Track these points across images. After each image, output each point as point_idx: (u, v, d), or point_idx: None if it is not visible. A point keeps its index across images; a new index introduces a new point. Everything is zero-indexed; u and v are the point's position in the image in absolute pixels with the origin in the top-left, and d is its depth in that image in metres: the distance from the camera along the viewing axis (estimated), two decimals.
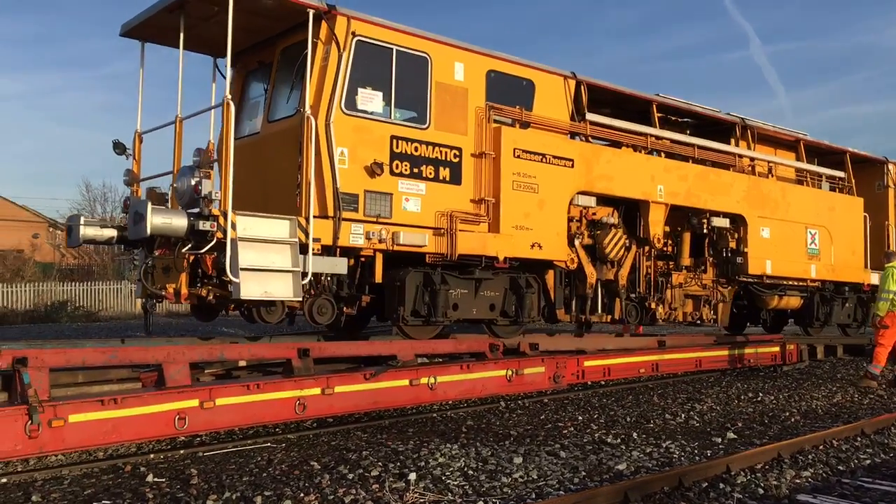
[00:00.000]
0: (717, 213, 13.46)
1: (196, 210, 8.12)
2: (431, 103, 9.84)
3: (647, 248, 12.64)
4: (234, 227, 8.11)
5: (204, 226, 7.95)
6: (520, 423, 9.26)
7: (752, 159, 14.42)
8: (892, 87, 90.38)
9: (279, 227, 8.57)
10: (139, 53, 9.98)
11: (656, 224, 12.37)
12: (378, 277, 9.51)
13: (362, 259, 9.55)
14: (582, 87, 11.58)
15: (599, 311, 12.12)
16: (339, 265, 8.99)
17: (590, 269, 11.63)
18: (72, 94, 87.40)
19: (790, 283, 14.91)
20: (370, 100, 9.34)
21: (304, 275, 8.54)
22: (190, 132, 9.84)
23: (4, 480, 6.72)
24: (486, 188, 10.20)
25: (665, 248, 13.42)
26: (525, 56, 11.26)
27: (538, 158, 10.65)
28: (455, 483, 6.52)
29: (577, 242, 11.52)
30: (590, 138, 11.64)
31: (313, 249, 8.65)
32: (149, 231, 7.75)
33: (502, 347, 10.49)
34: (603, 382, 12.40)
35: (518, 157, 10.42)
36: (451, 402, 10.25)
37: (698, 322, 13.83)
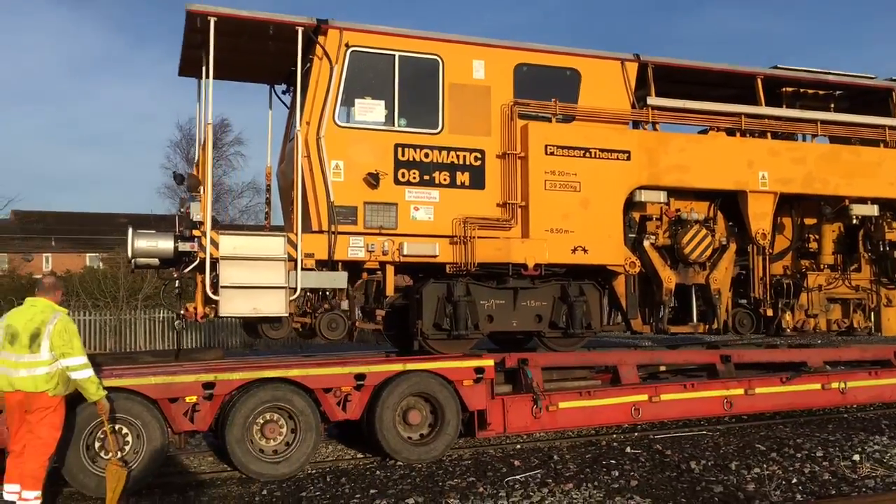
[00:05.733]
0: (861, 200, 11.17)
1: (180, 232, 8.54)
2: (444, 106, 9.39)
3: (755, 247, 10.84)
4: (216, 245, 8.39)
5: (183, 247, 8.34)
6: None
7: None
8: None
9: (271, 243, 8.71)
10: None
11: (760, 217, 10.55)
12: (389, 290, 9.25)
13: (377, 272, 9.35)
14: (649, 70, 10.32)
15: (695, 319, 10.62)
16: (338, 279, 8.89)
17: (666, 273, 10.23)
18: None
19: None
20: (369, 110, 9.17)
21: (294, 290, 8.57)
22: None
23: (519, 447, 9.46)
24: (513, 190, 9.47)
25: (765, 245, 11.24)
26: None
27: (580, 154, 9.65)
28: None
29: (647, 243, 10.23)
30: (657, 126, 10.30)
31: (304, 264, 8.65)
32: (130, 254, 8.30)
33: None
34: None
35: (552, 153, 9.53)
36: (858, 405, 11.49)
37: (847, 332, 11.51)
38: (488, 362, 9.00)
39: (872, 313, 11.57)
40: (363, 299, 9.52)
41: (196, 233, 8.41)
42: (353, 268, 9.17)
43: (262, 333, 9.04)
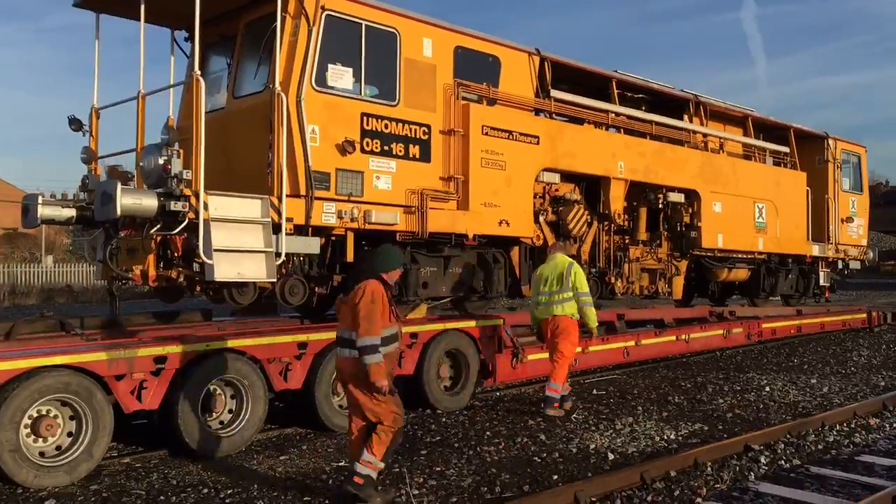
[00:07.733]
0: (672, 189, 13.71)
1: (165, 190, 7.84)
2: (401, 80, 9.71)
3: (606, 224, 12.81)
4: (206, 207, 7.89)
5: (175, 206, 7.71)
6: (761, 363, 14.08)
7: (704, 135, 14.71)
8: (888, 53, 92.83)
9: (251, 206, 8.37)
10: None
11: (616, 200, 12.53)
12: (350, 256, 9.40)
13: (332, 238, 9.42)
14: (546, 64, 11.59)
15: None
16: (312, 245, 8.85)
17: None
18: (8, 51, 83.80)
19: (739, 255, 15.35)
20: (340, 76, 9.16)
21: (278, 255, 8.38)
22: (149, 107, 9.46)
23: (498, 394, 11.03)
24: (456, 165, 10.16)
25: (623, 224, 13.65)
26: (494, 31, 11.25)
27: (505, 135, 10.65)
28: (796, 390, 11.07)
29: (541, 219, 11.60)
30: (553, 115, 11.68)
31: (286, 229, 8.49)
32: (119, 212, 7.47)
33: (715, 313, 14.89)
34: (769, 339, 16.20)
35: (486, 134, 10.39)
36: (692, 352, 14.43)
37: (654, 295, 14.12)
38: (499, 321, 10.31)
39: (669, 281, 14.30)
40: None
41: (186, 191, 7.80)
42: (317, 233, 9.14)
43: (228, 299, 8.64)
